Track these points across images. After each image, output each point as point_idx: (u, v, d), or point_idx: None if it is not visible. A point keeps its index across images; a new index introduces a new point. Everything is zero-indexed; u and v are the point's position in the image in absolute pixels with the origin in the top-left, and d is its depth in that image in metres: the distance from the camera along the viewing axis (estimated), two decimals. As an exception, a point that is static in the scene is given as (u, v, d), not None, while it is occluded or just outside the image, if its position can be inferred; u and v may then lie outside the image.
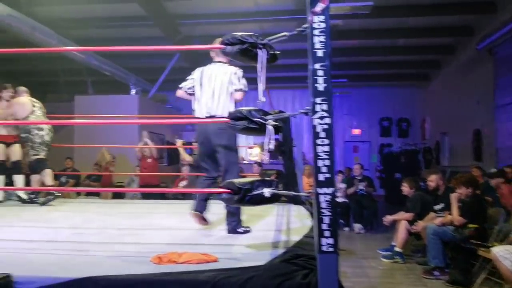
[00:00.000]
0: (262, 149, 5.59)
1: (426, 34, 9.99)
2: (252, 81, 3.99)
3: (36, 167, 5.59)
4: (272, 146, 2.26)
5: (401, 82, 14.35)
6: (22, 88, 5.91)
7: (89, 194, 8.56)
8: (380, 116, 15.03)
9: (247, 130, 2.32)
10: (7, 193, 5.91)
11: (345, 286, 2.22)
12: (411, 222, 5.90)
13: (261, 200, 2.29)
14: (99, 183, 9.22)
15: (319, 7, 1.96)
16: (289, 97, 15.02)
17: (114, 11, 8.89)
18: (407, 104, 14.74)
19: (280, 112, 2.51)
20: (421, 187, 6.77)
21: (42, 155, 5.63)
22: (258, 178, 2.43)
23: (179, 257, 2.43)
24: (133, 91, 11.74)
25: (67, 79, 13.14)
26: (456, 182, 5.18)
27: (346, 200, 8.50)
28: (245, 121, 2.29)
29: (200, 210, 3.60)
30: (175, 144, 7.62)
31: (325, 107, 1.99)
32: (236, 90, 3.46)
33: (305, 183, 7.85)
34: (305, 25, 2.06)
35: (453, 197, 5.12)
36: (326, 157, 1.97)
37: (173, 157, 11.81)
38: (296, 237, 3.02)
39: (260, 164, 8.24)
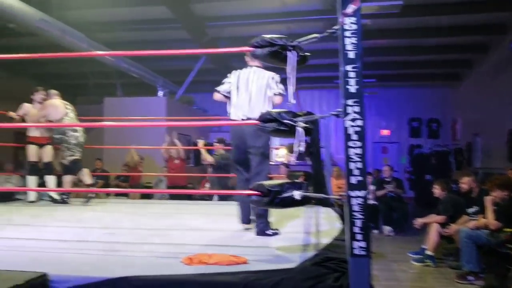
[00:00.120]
0: (289, 150, 5.58)
1: (457, 33, 9.75)
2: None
3: (73, 167, 5.74)
4: (302, 148, 2.25)
5: (431, 82, 14.07)
6: (54, 91, 6.06)
7: (118, 194, 8.70)
8: (409, 117, 14.76)
9: (276, 132, 2.32)
10: (39, 193, 6.07)
11: (376, 290, 2.20)
12: (442, 225, 5.78)
13: (291, 203, 2.28)
14: (128, 183, 9.36)
15: (351, 8, 1.94)
16: (316, 97, 14.92)
17: (143, 14, 9.00)
18: (437, 104, 14.42)
19: (309, 113, 2.49)
20: (453, 189, 6.62)
21: (77, 155, 5.77)
22: (287, 180, 2.42)
23: (209, 258, 2.45)
24: (160, 93, 11.90)
25: (97, 82, 13.42)
26: (491, 184, 5.04)
27: (375, 202, 8.39)
28: (275, 123, 2.28)
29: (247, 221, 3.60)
30: (207, 145, 7.68)
31: (357, 109, 1.97)
32: (275, 95, 3.50)
33: (334, 185, 7.78)
34: (336, 27, 2.05)
35: (488, 200, 4.99)
36: (358, 159, 1.96)
37: (199, 158, 11.92)
38: (326, 240, 3.00)
39: (287, 165, 8.23)
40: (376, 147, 14.86)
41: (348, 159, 1.96)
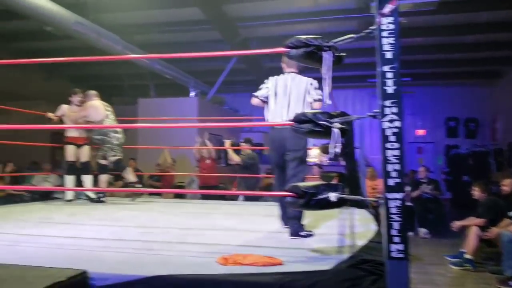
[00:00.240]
0: (323, 151, 5.53)
1: (495, 29, 9.44)
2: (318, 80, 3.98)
3: (118, 166, 5.87)
4: (338, 149, 2.23)
5: (469, 80, 13.67)
6: (92, 92, 6.18)
7: (151, 193, 8.83)
8: (445, 116, 14.40)
9: (312, 133, 2.31)
10: (77, 192, 6.23)
11: (413, 294, 2.16)
12: (482, 228, 5.61)
13: (327, 205, 2.27)
14: (161, 183, 9.49)
15: (388, 8, 1.92)
16: (349, 96, 14.74)
17: (175, 16, 9.12)
18: (475, 103, 13.99)
19: (343, 113, 2.47)
20: (493, 191, 6.42)
21: (120, 155, 5.91)
22: (323, 182, 2.40)
23: (244, 258, 2.45)
24: (192, 94, 12.03)
25: (131, 83, 13.69)
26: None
27: (411, 204, 8.23)
28: (310, 124, 2.27)
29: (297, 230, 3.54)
30: (234, 145, 7.69)
31: (394, 110, 1.95)
32: (315, 100, 3.53)
33: (368, 186, 7.68)
34: (372, 27, 2.02)
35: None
36: (396, 161, 1.93)
37: (226, 158, 11.98)
38: (361, 242, 2.96)
39: (320, 166, 8.15)
40: (411, 147, 14.56)
41: (386, 161, 1.94)
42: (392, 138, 1.95)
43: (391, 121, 1.96)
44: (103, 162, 5.92)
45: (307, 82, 3.57)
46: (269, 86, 3.65)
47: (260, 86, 3.72)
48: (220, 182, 9.25)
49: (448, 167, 13.52)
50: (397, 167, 1.94)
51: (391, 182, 1.94)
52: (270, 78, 3.70)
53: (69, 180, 6.04)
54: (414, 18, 8.45)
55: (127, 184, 6.06)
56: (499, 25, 9.23)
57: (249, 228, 3.78)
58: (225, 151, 7.76)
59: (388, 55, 1.96)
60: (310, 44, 2.32)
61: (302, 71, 3.63)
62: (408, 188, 8.39)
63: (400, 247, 1.92)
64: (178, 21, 9.36)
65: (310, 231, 3.39)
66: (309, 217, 3.66)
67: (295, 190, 2.26)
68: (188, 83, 11.89)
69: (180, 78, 11.41)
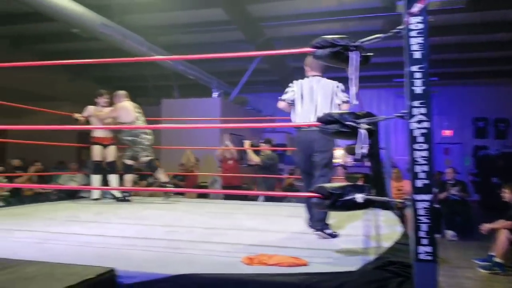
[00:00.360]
0: (348, 152, 5.48)
1: (526, 27, 9.22)
2: (339, 80, 3.97)
3: (151, 167, 5.93)
4: (365, 150, 2.20)
5: (498, 80, 13.35)
6: (122, 93, 6.22)
7: (175, 193, 8.90)
8: (473, 116, 14.10)
9: (338, 134, 2.29)
10: (102, 191, 6.33)
11: (441, 297, 2.12)
12: (512, 231, 5.48)
13: (353, 206, 2.25)
14: (185, 182, 9.56)
15: (417, 7, 1.89)
16: (374, 96, 14.58)
17: (199, 17, 9.18)
18: (505, 103, 13.62)
19: (369, 113, 2.44)
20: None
21: (151, 156, 5.97)
22: (349, 183, 2.39)
23: (269, 259, 2.46)
24: (215, 94, 12.09)
25: (155, 84, 13.84)
26: None
27: (437, 206, 8.09)
28: (337, 125, 2.25)
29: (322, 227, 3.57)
30: (254, 146, 7.69)
31: (423, 110, 1.92)
32: (343, 102, 3.55)
33: (393, 187, 7.58)
34: (400, 26, 2.00)
35: None
36: (425, 162, 1.90)
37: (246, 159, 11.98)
38: (387, 243, 2.93)
39: (344, 167, 8.10)
40: (437, 148, 14.31)
41: (414, 162, 1.91)
42: (420, 139, 1.93)
43: (419, 121, 1.94)
44: (129, 162, 5.99)
45: (333, 84, 3.59)
46: (295, 90, 3.65)
47: (286, 90, 3.72)
48: (243, 183, 9.27)
49: (476, 168, 13.25)
50: (426, 168, 1.92)
51: (419, 183, 1.92)
52: (295, 81, 3.71)
53: (96, 179, 6.14)
54: (441, 16, 8.32)
55: (159, 184, 6.11)
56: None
57: (273, 229, 3.78)
58: (245, 152, 7.75)
59: (417, 55, 1.94)
60: (336, 44, 2.30)
61: (324, 74, 3.67)
62: (435, 190, 8.23)
63: (428, 249, 1.89)
64: (202, 22, 9.42)
65: (335, 232, 3.37)
66: (334, 218, 3.64)
67: (321, 191, 2.25)
68: (211, 84, 11.96)
69: (203, 79, 11.49)
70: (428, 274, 1.89)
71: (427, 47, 1.93)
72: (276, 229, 3.77)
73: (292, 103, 3.67)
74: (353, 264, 2.38)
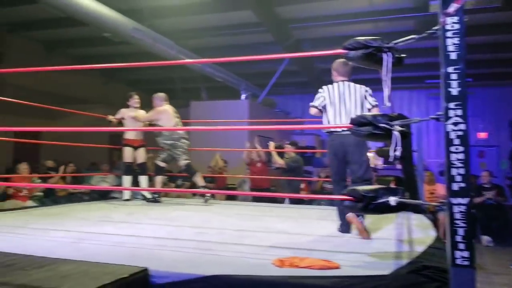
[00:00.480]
0: (378, 154, 5.41)
1: None
2: (367, 82, 3.94)
3: (189, 171, 5.97)
4: (398, 152, 2.17)
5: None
6: (162, 95, 6.22)
7: (203, 195, 8.95)
8: (510, 118, 13.66)
9: (371, 136, 2.27)
10: (133, 192, 6.43)
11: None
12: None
13: (386, 209, 2.22)
14: (214, 184, 9.62)
15: (453, 7, 1.85)
16: (405, 98, 14.32)
17: (228, 19, 9.23)
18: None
19: (401, 115, 2.41)
20: None
21: (189, 159, 6.02)
22: (382, 185, 2.36)
23: (300, 261, 2.45)
24: (243, 96, 12.12)
25: (184, 86, 13.98)
26: None
27: (473, 210, 7.86)
28: (370, 127, 2.23)
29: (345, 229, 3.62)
30: (283, 148, 7.66)
31: (459, 112, 1.89)
32: (373, 106, 3.62)
33: (426, 190, 7.44)
34: (436, 27, 1.97)
35: None
36: (461, 165, 1.87)
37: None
38: (420, 248, 2.88)
39: (374, 169, 7.98)
40: (472, 151, 13.90)
41: (450, 164, 1.88)
42: (457, 141, 1.90)
43: (455, 123, 1.90)
44: (161, 164, 6.05)
45: (362, 89, 3.65)
46: (325, 95, 3.69)
47: (316, 96, 3.75)
48: (272, 185, 9.27)
49: (513, 171, 12.83)
50: (462, 171, 1.88)
51: (455, 186, 1.88)
52: (324, 87, 3.74)
53: (127, 180, 6.24)
54: (476, 15, 8.12)
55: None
56: None
57: (303, 231, 3.76)
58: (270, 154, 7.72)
59: (453, 55, 1.90)
60: (369, 46, 2.28)
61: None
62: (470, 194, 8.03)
63: (465, 254, 1.85)
64: (231, 25, 9.47)
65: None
66: (366, 220, 3.61)
67: (354, 194, 2.23)
68: (239, 86, 12.00)
69: (231, 81, 11.55)
70: (465, 279, 1.85)
71: (463, 48, 1.89)
72: (306, 231, 3.75)
73: (323, 109, 3.70)
74: (385, 268, 2.34)
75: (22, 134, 9.44)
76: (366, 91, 3.66)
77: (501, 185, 8.73)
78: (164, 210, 5.31)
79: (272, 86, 12.08)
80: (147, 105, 6.54)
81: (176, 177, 9.17)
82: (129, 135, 6.28)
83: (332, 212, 3.88)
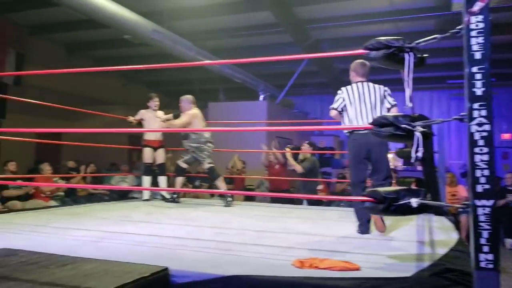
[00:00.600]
0: (398, 155, 5.36)
1: None
2: (385, 82, 3.91)
3: (214, 174, 5.95)
4: (420, 154, 2.15)
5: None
6: (190, 98, 6.14)
7: (221, 195, 8.97)
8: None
9: (392, 137, 2.25)
10: (152, 192, 6.49)
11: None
12: None
13: (407, 211, 2.19)
14: (232, 185, 9.63)
15: (477, 6, 1.83)
16: (426, 98, 14.10)
17: (247, 20, 9.25)
18: None
19: (422, 116, 2.38)
20: None
21: (213, 163, 6.02)
22: (403, 187, 2.33)
23: (320, 262, 2.44)
24: (261, 97, 12.12)
25: (202, 87, 14.05)
26: None
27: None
28: (391, 128, 2.21)
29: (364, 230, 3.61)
30: (296, 149, 7.62)
31: (484, 112, 1.86)
32: (392, 106, 3.64)
33: (447, 192, 7.32)
34: (460, 26, 1.94)
35: None
36: (485, 166, 1.84)
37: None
38: (442, 250, 2.84)
39: (394, 171, 7.90)
40: (496, 152, 13.60)
41: (474, 166, 1.85)
42: (481, 142, 1.87)
43: (479, 124, 1.87)
44: (183, 165, 6.07)
45: (380, 88, 3.67)
46: (344, 97, 3.69)
47: (335, 98, 3.76)
48: (291, 186, 9.26)
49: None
50: (486, 172, 1.85)
51: (479, 188, 1.85)
52: (343, 88, 3.74)
53: (146, 180, 6.30)
54: (499, 14, 7.98)
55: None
56: None
57: (323, 232, 3.74)
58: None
59: (477, 55, 1.88)
60: (391, 46, 2.26)
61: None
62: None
63: (490, 257, 1.82)
64: (249, 25, 9.49)
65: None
66: (386, 222, 3.58)
67: (375, 195, 2.21)
68: (257, 87, 12.01)
69: (249, 82, 11.56)
70: (490, 283, 1.82)
71: (488, 47, 1.87)
72: (326, 233, 3.73)
73: (342, 111, 3.70)
74: (407, 270, 2.32)
75: (44, 135, 9.60)
76: (385, 90, 3.68)
77: (525, 187, 8.54)
78: (183, 210, 5.34)
79: (291, 87, 12.05)
80: (165, 106, 6.59)
81: (194, 178, 9.22)
82: (149, 136, 6.34)
83: (351, 214, 3.85)
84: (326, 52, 10.00)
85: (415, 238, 3.40)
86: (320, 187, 7.89)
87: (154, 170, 6.41)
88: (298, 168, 6.82)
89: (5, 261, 2.37)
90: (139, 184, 7.14)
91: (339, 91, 3.75)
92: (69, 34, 10.44)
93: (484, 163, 1.85)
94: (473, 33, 1.88)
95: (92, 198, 8.30)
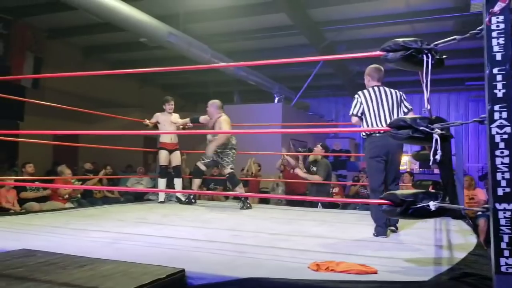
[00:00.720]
0: (415, 158, 5.30)
1: None
2: (401, 84, 3.89)
3: (234, 180, 5.89)
4: (438, 156, 2.12)
5: None
6: (218, 103, 6.03)
7: (236, 198, 8.97)
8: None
9: (410, 139, 2.23)
10: (168, 194, 6.52)
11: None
12: None
13: (425, 214, 2.16)
14: (246, 188, 9.61)
15: (498, 6, 1.80)
16: (444, 100, 13.97)
17: (262, 23, 9.27)
18: None
19: (440, 118, 2.36)
20: None
21: (234, 170, 5.98)
22: (421, 190, 2.30)
23: (337, 266, 2.42)
24: (276, 99, 12.11)
25: (217, 90, 14.10)
26: None
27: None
28: (409, 130, 2.19)
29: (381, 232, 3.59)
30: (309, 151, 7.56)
31: (504, 114, 1.83)
32: (409, 110, 3.71)
33: (465, 195, 7.18)
34: (480, 27, 1.91)
35: None
36: (506, 169, 1.81)
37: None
38: (460, 254, 2.80)
39: (411, 173, 7.81)
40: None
41: (495, 169, 1.82)
42: (501, 145, 1.84)
43: (500, 126, 1.84)
44: (202, 167, 6.07)
45: (396, 93, 3.71)
46: (361, 101, 3.71)
47: (353, 104, 3.77)
48: (308, 189, 9.21)
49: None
50: (507, 175, 1.82)
51: (500, 191, 1.83)
52: (359, 93, 3.75)
53: (162, 183, 6.33)
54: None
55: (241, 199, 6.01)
56: None
57: (339, 235, 3.72)
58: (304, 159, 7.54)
59: (498, 56, 1.85)
60: (409, 47, 2.23)
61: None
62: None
63: (511, 261, 1.78)
64: (265, 28, 9.52)
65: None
66: (403, 225, 3.56)
67: (392, 198, 2.18)
68: (272, 89, 12.01)
69: (264, 84, 11.56)
70: (510, 287, 1.78)
71: (509, 48, 1.84)
72: (342, 236, 3.71)
73: (362, 115, 3.71)
74: (424, 274, 2.29)
75: (61, 137, 9.72)
76: (401, 95, 3.73)
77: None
78: (199, 212, 5.36)
79: (306, 89, 12.03)
80: (180, 108, 6.62)
81: (209, 180, 9.24)
82: (164, 139, 6.37)
83: (367, 217, 3.83)
84: (342, 54, 9.96)
85: (433, 242, 3.36)
86: (335, 190, 7.83)
87: (169, 173, 6.44)
88: (317, 178, 6.63)
89: (24, 261, 2.40)
90: (155, 186, 7.18)
91: (355, 96, 3.76)
92: (86, 38, 10.58)
93: (504, 166, 1.82)
94: (494, 34, 1.85)
95: (108, 200, 8.37)
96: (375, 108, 3.63)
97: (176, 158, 6.41)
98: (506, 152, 1.83)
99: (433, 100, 13.73)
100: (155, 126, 6.41)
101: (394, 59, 2.30)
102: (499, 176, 1.82)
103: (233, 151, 5.94)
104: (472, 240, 3.41)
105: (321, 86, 13.62)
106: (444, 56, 2.32)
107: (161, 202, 6.28)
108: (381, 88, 3.71)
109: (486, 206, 1.93)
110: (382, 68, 3.79)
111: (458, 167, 4.96)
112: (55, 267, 2.31)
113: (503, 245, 1.80)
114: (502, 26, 1.84)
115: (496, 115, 1.85)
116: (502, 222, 1.81)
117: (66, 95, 10.11)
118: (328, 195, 7.15)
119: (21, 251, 2.68)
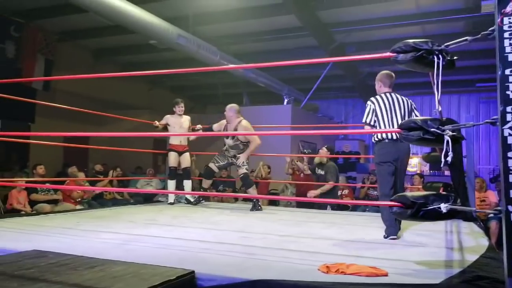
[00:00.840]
0: (425, 160, 5.26)
1: None
2: (410, 86, 3.87)
3: (248, 181, 5.89)
4: (449, 158, 2.11)
5: None
6: (236, 107, 5.99)
7: (245, 199, 8.97)
8: None
9: (421, 141, 2.21)
10: (177, 195, 6.53)
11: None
12: None
13: (436, 216, 2.15)
14: (256, 189, 9.58)
15: (510, 7, 1.79)
16: (455, 102, 13.86)
17: (271, 24, 9.27)
18: None
19: (450, 120, 2.34)
20: None
21: (248, 171, 5.99)
22: (432, 192, 2.29)
23: (347, 268, 2.40)
24: (285, 101, 12.09)
25: (225, 92, 14.12)
26: None
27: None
28: (420, 132, 2.17)
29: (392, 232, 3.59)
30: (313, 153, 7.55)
31: (517, 116, 1.80)
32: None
33: (476, 198, 7.09)
34: (492, 28, 1.90)
35: None
36: (519, 171, 1.78)
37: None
38: (471, 257, 2.78)
39: (421, 175, 7.76)
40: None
41: (507, 170, 1.80)
42: (514, 146, 1.82)
43: (513, 128, 1.82)
44: (215, 169, 6.07)
45: (408, 101, 3.74)
46: (374, 108, 3.71)
47: (366, 111, 3.77)
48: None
49: None
50: (520, 177, 1.80)
51: (512, 193, 1.81)
52: (372, 99, 3.74)
53: (171, 184, 6.35)
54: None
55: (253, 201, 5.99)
56: None
57: (349, 237, 3.70)
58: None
59: (510, 57, 1.83)
60: (420, 48, 2.22)
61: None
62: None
63: (524, 264, 1.77)
64: (274, 29, 9.52)
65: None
66: (414, 227, 3.53)
67: (403, 200, 2.17)
68: (282, 91, 12.00)
69: (273, 86, 11.56)
70: (523, 291, 1.76)
71: (521, 49, 1.82)
72: (352, 238, 3.69)
73: (375, 124, 3.71)
74: (435, 277, 2.27)
75: (72, 139, 9.80)
76: (412, 103, 3.77)
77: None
78: (208, 214, 5.36)
79: (315, 91, 12.00)
80: (189, 110, 6.63)
81: (218, 182, 9.25)
82: (174, 141, 6.39)
83: (377, 219, 3.81)
84: (351, 55, 9.93)
85: (444, 244, 3.33)
86: (345, 192, 7.79)
87: (179, 174, 6.45)
88: (328, 187, 6.53)
89: (35, 262, 2.42)
90: (164, 188, 7.20)
91: (368, 103, 3.75)
92: (96, 40, 10.66)
93: (517, 168, 1.80)
94: (506, 35, 1.84)
95: (117, 201, 8.41)
96: (388, 115, 3.63)
97: (186, 160, 6.43)
98: (519, 154, 1.81)
99: (444, 102, 13.62)
100: (165, 128, 6.43)
101: (404, 60, 2.29)
102: (511, 178, 1.80)
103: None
104: (483, 242, 3.38)
105: (330, 88, 13.58)
106: (455, 57, 2.30)
107: (170, 203, 6.30)
108: (393, 95, 3.71)
109: (498, 208, 1.91)
110: (393, 75, 3.79)
111: (469, 169, 4.91)
112: (66, 268, 2.32)
113: (516, 248, 1.78)
114: (514, 26, 1.83)
115: (509, 117, 1.83)
116: (515, 224, 1.79)
117: (76, 97, 10.19)
118: (337, 197, 7.11)
119: (33, 252, 2.70)
